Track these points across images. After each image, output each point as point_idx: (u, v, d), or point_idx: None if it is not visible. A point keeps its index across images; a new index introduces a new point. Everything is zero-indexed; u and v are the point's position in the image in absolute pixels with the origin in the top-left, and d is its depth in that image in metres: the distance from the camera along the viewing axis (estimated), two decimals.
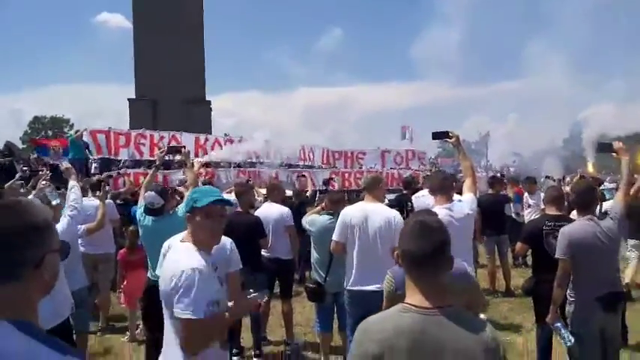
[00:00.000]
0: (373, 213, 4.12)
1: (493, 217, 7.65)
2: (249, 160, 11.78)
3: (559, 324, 3.69)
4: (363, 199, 4.43)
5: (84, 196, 5.09)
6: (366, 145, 14.09)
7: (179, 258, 2.33)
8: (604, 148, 4.08)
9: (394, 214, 4.21)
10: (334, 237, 4.26)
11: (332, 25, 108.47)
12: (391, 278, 2.65)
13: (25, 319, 1.22)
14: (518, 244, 4.80)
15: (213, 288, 2.32)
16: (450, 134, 4.18)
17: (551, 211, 4.47)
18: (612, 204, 4.06)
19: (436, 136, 4.30)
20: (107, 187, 6.84)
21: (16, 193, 6.80)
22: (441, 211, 3.42)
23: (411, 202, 6.94)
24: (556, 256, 3.68)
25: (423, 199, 5.91)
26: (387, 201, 8.04)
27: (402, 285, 2.46)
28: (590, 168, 9.91)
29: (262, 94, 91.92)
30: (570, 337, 3.60)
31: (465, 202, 3.87)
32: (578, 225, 3.71)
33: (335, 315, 4.85)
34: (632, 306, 5.74)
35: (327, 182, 11.19)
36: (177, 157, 8.36)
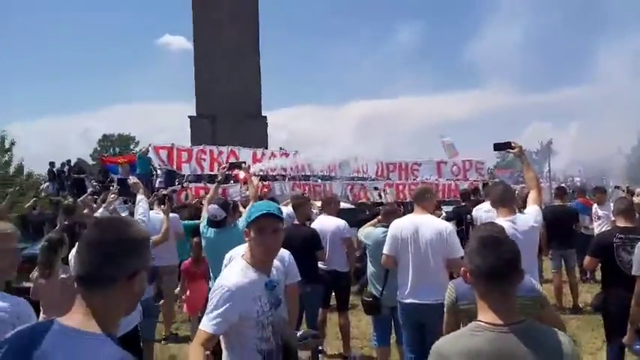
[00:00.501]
0: (423, 225, 4.08)
1: (560, 229, 7.31)
2: (302, 174, 11.86)
3: (638, 346, 3.45)
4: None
5: (150, 210, 5.32)
6: (424, 158, 13.66)
7: (225, 273, 2.40)
8: None
9: (445, 225, 4.18)
10: (385, 250, 4.25)
11: (388, 34, 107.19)
12: (452, 289, 2.59)
13: (107, 330, 1.28)
14: (587, 258, 4.53)
15: (253, 309, 2.25)
16: (513, 145, 4.04)
17: (622, 222, 4.22)
18: None
19: (498, 147, 4.18)
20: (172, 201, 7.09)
21: (89, 207, 7.25)
22: (504, 224, 3.30)
23: (471, 215, 6.76)
24: (633, 272, 3.48)
25: (485, 212, 5.75)
26: (444, 213, 7.95)
27: (463, 297, 2.41)
28: None
29: (317, 107, 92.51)
30: None
31: (530, 215, 3.71)
32: None
33: (393, 329, 4.78)
34: None
35: (381, 194, 11.11)
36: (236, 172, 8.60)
